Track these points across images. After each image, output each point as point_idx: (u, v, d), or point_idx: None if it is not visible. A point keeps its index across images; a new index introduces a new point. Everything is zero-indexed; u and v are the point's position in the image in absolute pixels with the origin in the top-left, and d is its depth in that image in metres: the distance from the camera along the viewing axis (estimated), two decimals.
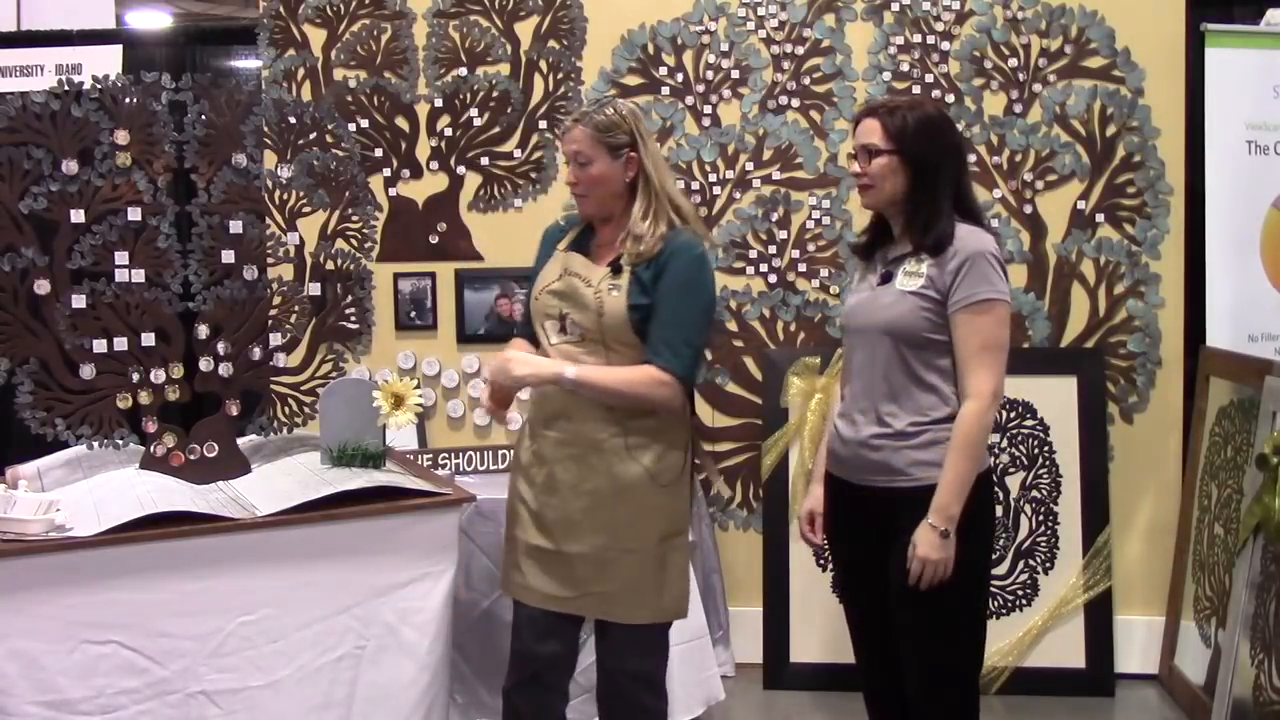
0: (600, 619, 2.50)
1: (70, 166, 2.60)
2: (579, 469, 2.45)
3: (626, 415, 2.43)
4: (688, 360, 2.41)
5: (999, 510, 3.69)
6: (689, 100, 3.91)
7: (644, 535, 2.45)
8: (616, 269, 2.43)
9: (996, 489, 3.64)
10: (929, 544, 2.26)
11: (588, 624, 2.60)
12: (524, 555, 2.52)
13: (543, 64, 3.94)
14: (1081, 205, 3.82)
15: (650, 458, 2.45)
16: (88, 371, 2.63)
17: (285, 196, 2.89)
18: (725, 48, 3.89)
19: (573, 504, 2.45)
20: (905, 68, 3.84)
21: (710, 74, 3.90)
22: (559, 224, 2.67)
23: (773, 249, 3.91)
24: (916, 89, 3.83)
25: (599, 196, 2.47)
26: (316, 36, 3.99)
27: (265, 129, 2.85)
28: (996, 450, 3.72)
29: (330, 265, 2.93)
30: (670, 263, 2.40)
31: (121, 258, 2.65)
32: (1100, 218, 3.82)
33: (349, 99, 3.97)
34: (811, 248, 3.91)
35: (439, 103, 3.96)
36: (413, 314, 3.97)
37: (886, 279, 2.38)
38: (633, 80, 3.93)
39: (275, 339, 2.86)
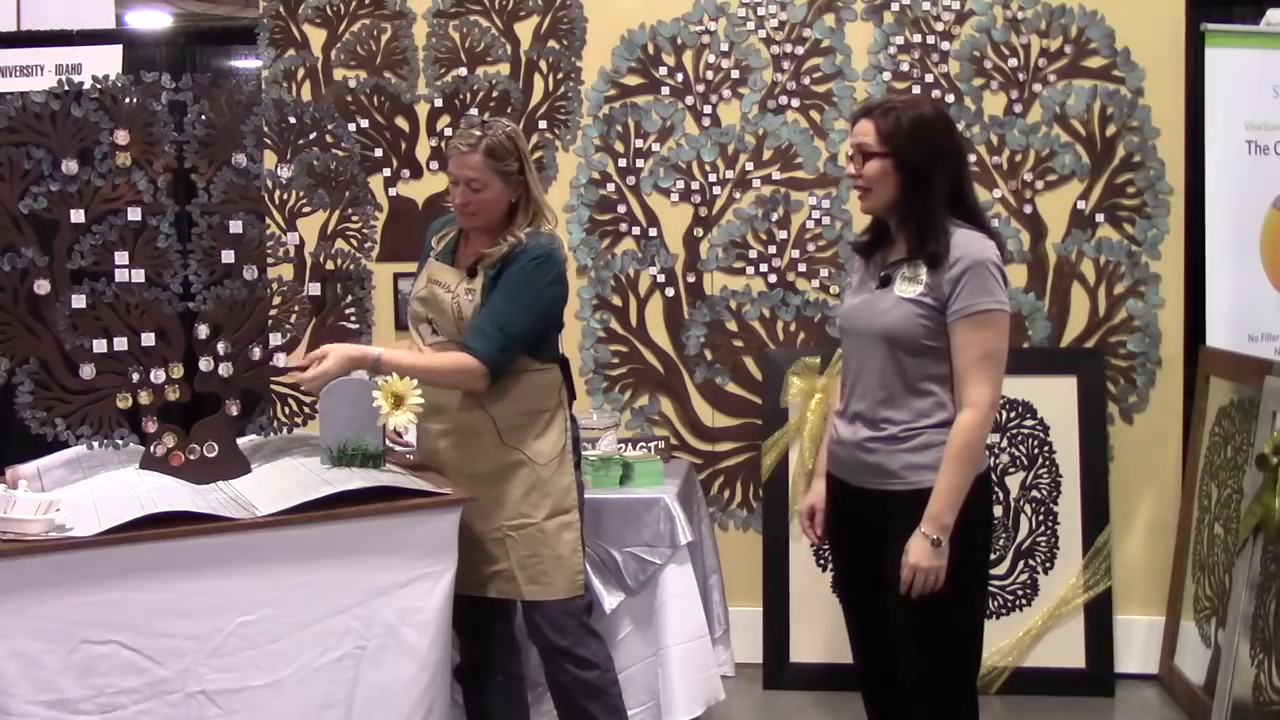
0: (519, 599, 2.71)
1: (70, 166, 2.60)
2: (460, 456, 2.68)
3: (493, 403, 2.64)
4: (496, 344, 2.58)
5: (999, 510, 3.70)
6: (689, 100, 3.91)
7: (531, 513, 2.67)
8: (472, 273, 2.64)
9: (996, 489, 3.64)
10: (920, 552, 2.26)
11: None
12: None
13: (543, 64, 3.94)
14: (1081, 205, 3.82)
15: (525, 442, 2.67)
16: (88, 371, 2.63)
17: (285, 196, 2.89)
18: (725, 48, 3.89)
19: (460, 488, 2.62)
20: (905, 68, 3.84)
21: (710, 74, 3.90)
22: (437, 224, 2.87)
23: (773, 249, 3.91)
24: (916, 89, 3.83)
25: (486, 216, 2.65)
26: (316, 36, 3.99)
27: (265, 129, 2.85)
28: (996, 450, 3.72)
29: (330, 265, 2.93)
30: (514, 262, 2.62)
31: (121, 258, 2.65)
32: (1100, 218, 3.82)
33: (349, 99, 3.97)
34: (811, 248, 3.91)
35: (439, 103, 3.96)
36: None
37: (885, 283, 2.37)
38: (633, 80, 3.93)
39: (275, 339, 2.85)
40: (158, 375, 2.69)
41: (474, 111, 3.94)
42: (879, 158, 2.32)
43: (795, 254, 3.91)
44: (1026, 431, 3.77)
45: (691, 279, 3.95)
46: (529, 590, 2.68)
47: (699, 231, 3.94)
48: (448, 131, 3.95)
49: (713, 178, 3.92)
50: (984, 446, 2.32)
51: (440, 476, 2.71)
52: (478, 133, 2.60)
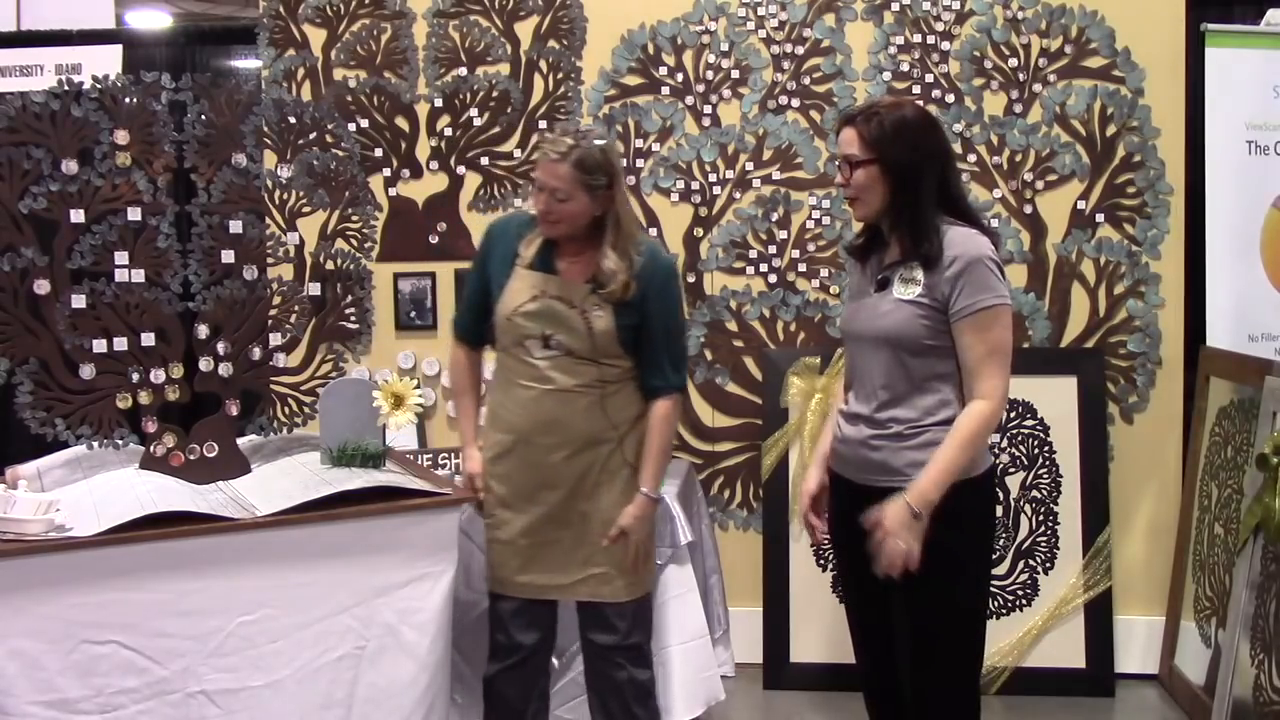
0: (590, 601, 2.65)
1: (70, 166, 2.60)
2: (569, 466, 2.59)
3: (616, 411, 2.59)
4: (685, 369, 2.68)
5: (999, 510, 3.69)
6: (689, 100, 3.91)
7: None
8: (596, 287, 2.55)
9: (996, 489, 3.64)
10: (895, 519, 2.24)
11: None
12: (514, 553, 2.63)
13: (543, 64, 3.94)
14: (1081, 205, 3.82)
15: (632, 449, 2.62)
16: (88, 371, 2.63)
17: (285, 196, 2.89)
18: (725, 48, 3.89)
19: (566, 496, 2.59)
20: (905, 68, 3.84)
21: (710, 74, 3.90)
22: (509, 223, 2.72)
23: (773, 249, 3.91)
24: (916, 89, 3.83)
25: (567, 226, 2.56)
26: (316, 36, 3.99)
27: (265, 129, 2.85)
28: (996, 450, 3.72)
29: (330, 265, 2.93)
30: (651, 283, 2.57)
31: (121, 258, 2.65)
32: (1100, 218, 3.82)
33: (349, 99, 3.97)
34: (811, 248, 3.90)
35: (439, 103, 3.96)
36: (413, 314, 3.97)
37: (883, 285, 2.38)
38: (633, 80, 3.93)
39: (275, 339, 2.86)
40: (158, 375, 2.70)
41: (474, 111, 3.94)
42: (865, 165, 2.32)
43: (795, 254, 3.91)
44: (1026, 431, 3.77)
45: (691, 279, 3.95)
46: (629, 589, 2.64)
47: (699, 231, 3.94)
48: (448, 131, 3.95)
49: (713, 178, 3.92)
50: (989, 436, 2.32)
51: (441, 477, 2.72)
52: (570, 142, 2.52)
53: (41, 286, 2.58)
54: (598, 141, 2.53)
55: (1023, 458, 3.76)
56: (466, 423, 2.74)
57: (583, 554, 2.61)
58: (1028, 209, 3.84)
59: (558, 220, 2.54)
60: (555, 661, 3.07)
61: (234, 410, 2.79)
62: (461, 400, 2.76)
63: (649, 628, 2.72)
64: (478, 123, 3.95)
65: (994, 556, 3.61)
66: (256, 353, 2.82)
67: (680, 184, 3.93)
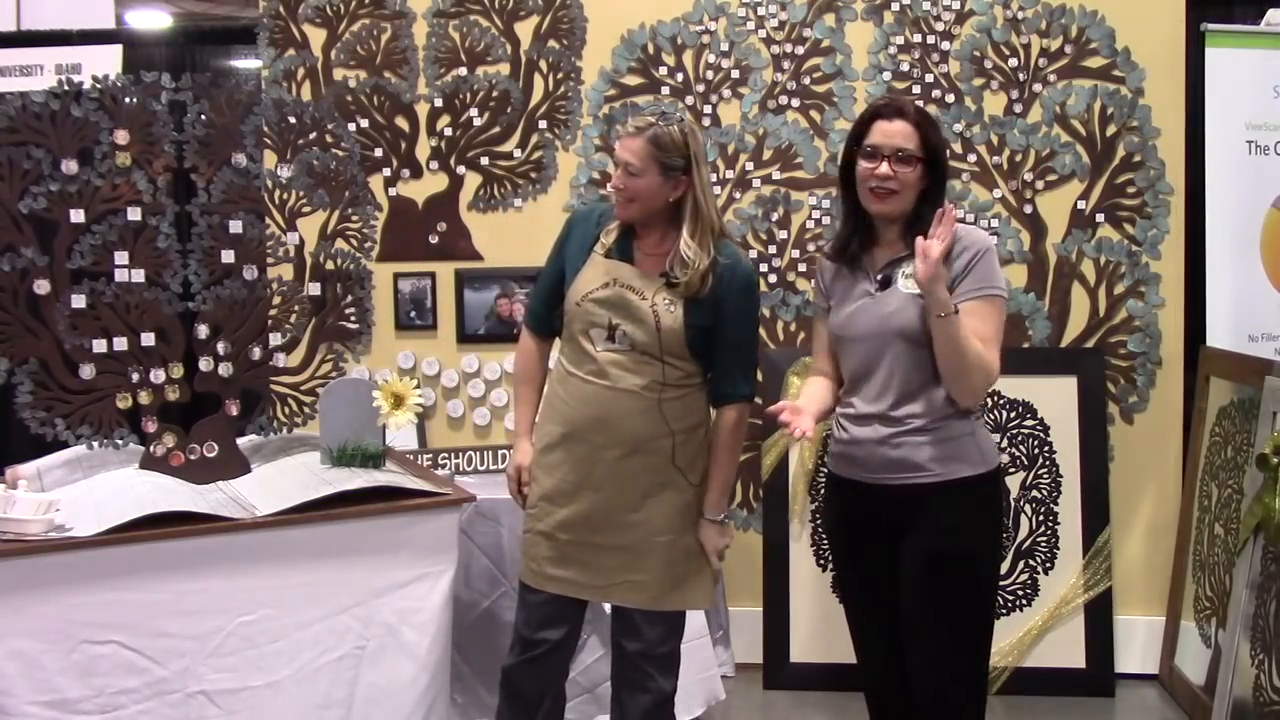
0: (622, 606, 2.59)
1: (70, 166, 2.60)
2: (618, 468, 2.51)
3: (675, 418, 2.51)
4: (754, 381, 2.59)
5: None
6: (689, 100, 3.91)
7: (676, 526, 2.54)
8: (670, 281, 2.48)
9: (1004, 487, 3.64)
10: (927, 267, 2.24)
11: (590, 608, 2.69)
12: (552, 546, 2.55)
13: (543, 64, 3.94)
14: (1081, 205, 3.82)
15: (686, 458, 2.53)
16: (87, 371, 2.63)
17: (285, 196, 2.90)
18: (725, 48, 3.89)
19: (611, 499, 2.51)
20: (905, 68, 3.84)
21: (710, 74, 3.90)
22: (591, 211, 2.65)
23: (773, 249, 3.91)
24: (916, 89, 3.83)
25: (641, 206, 2.49)
26: (316, 36, 3.99)
27: (265, 129, 2.86)
28: (997, 450, 3.72)
29: (330, 265, 2.94)
30: (730, 286, 2.49)
31: (121, 258, 2.66)
32: (1100, 218, 3.82)
33: (349, 99, 3.97)
34: (811, 248, 3.90)
35: (439, 103, 3.96)
36: (413, 314, 3.97)
37: (886, 284, 2.38)
38: (633, 80, 3.93)
39: (275, 339, 2.86)
40: (158, 375, 2.70)
41: (474, 111, 3.94)
42: (918, 162, 2.33)
43: (795, 254, 3.91)
44: (1026, 431, 3.77)
45: None
46: (660, 600, 2.57)
47: None
48: (448, 131, 3.95)
49: (713, 178, 3.91)
50: (978, 373, 2.30)
51: (441, 477, 2.72)
52: (650, 119, 2.47)
53: (41, 286, 2.59)
54: (679, 122, 2.47)
55: (1023, 458, 3.76)
56: (524, 411, 2.67)
57: (622, 560, 2.54)
58: (1028, 209, 3.83)
59: (630, 198, 2.48)
60: None
61: (234, 410, 2.79)
62: (521, 389, 2.69)
63: (679, 638, 2.64)
64: (478, 123, 3.95)
65: None
66: (256, 353, 2.82)
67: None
